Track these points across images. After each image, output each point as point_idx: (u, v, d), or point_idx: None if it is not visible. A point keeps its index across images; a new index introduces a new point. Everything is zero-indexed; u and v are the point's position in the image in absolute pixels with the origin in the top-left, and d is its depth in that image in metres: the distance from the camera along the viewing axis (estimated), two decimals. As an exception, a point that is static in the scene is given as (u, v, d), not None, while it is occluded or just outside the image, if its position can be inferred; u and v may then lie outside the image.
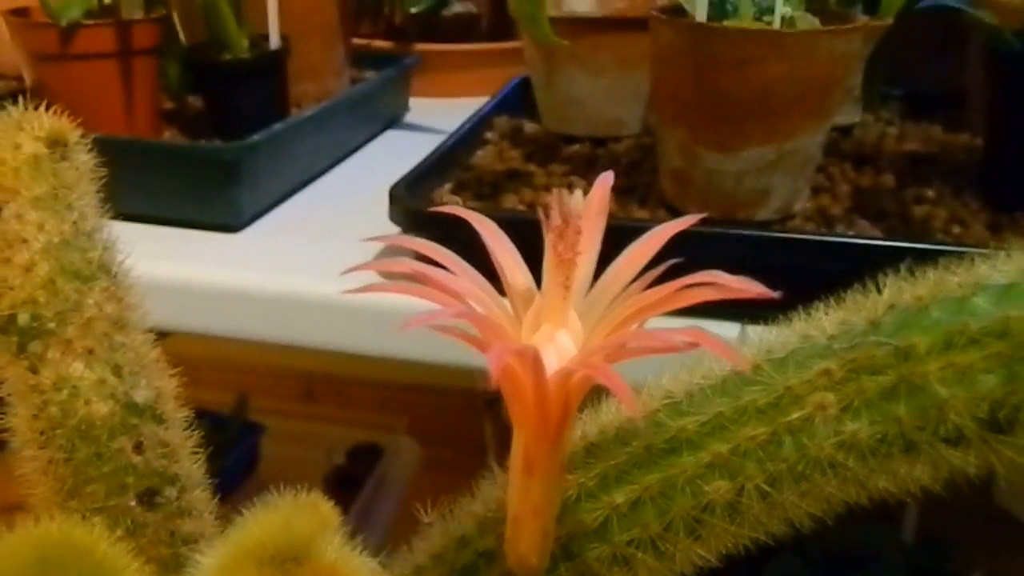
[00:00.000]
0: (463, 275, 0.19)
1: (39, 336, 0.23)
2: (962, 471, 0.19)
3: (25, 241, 0.23)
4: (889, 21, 0.74)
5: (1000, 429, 0.18)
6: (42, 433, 0.23)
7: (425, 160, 0.67)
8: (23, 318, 0.23)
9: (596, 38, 0.73)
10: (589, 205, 0.19)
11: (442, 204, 0.61)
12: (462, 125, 0.75)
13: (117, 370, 0.24)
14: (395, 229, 0.64)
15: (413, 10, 0.94)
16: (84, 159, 0.25)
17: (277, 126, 0.69)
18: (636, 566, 0.20)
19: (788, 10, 0.62)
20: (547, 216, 0.19)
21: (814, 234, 0.59)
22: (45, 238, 0.23)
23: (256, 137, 0.65)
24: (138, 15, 0.69)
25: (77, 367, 0.23)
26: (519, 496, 0.20)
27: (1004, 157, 0.70)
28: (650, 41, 0.64)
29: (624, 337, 0.17)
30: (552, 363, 0.17)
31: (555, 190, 0.19)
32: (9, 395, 0.24)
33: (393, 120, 0.89)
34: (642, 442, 0.21)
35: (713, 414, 0.20)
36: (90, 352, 0.23)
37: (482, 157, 0.74)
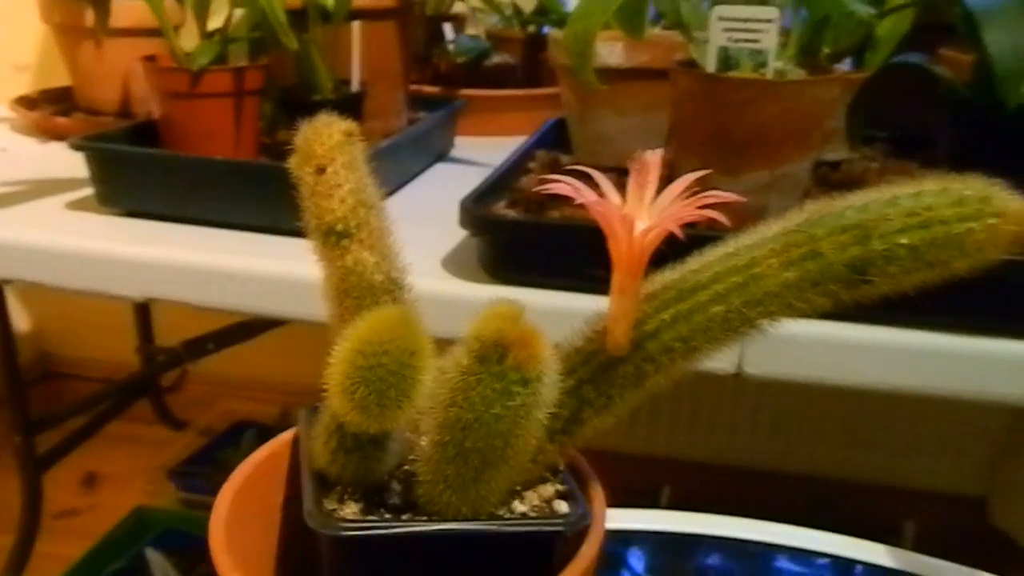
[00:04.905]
0: (590, 191, 0.43)
1: (347, 237, 0.47)
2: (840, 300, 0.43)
3: (340, 185, 0.47)
4: (866, 73, 0.98)
5: (858, 272, 0.42)
6: (346, 292, 0.47)
7: (483, 183, 0.91)
8: (340, 227, 0.47)
9: (624, 85, 0.97)
10: (652, 159, 0.43)
11: (500, 215, 0.85)
12: (510, 156, 0.99)
13: (384, 257, 0.48)
14: (463, 233, 0.88)
15: (460, 60, 1.19)
16: (362, 146, 0.49)
17: (362, 154, 0.91)
18: (675, 353, 0.44)
19: (780, 64, 0.86)
20: (633, 163, 0.43)
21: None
22: (350, 185, 0.47)
23: (348, 162, 0.88)
24: (243, 62, 0.93)
25: (366, 255, 0.47)
26: (616, 306, 0.43)
27: (958, 184, 0.92)
28: (670, 88, 0.88)
29: (677, 212, 0.41)
30: (638, 228, 0.41)
31: (638, 150, 0.44)
32: (326, 273, 0.47)
33: (442, 154, 1.13)
34: (677, 287, 0.45)
35: (714, 272, 0.44)
36: (372, 247, 0.47)
37: (526, 182, 0.97)
